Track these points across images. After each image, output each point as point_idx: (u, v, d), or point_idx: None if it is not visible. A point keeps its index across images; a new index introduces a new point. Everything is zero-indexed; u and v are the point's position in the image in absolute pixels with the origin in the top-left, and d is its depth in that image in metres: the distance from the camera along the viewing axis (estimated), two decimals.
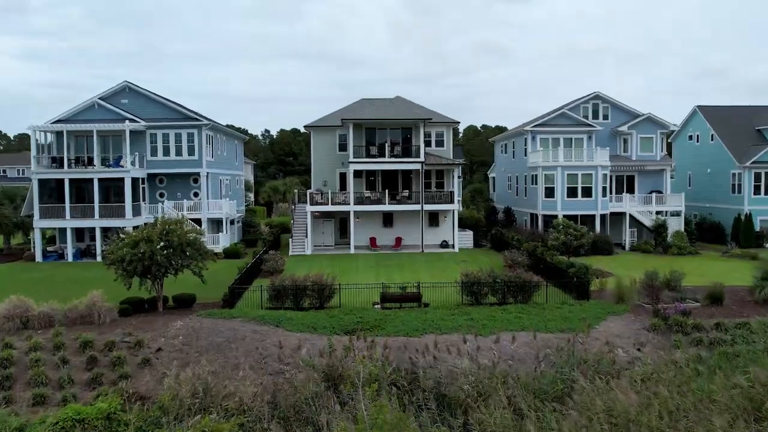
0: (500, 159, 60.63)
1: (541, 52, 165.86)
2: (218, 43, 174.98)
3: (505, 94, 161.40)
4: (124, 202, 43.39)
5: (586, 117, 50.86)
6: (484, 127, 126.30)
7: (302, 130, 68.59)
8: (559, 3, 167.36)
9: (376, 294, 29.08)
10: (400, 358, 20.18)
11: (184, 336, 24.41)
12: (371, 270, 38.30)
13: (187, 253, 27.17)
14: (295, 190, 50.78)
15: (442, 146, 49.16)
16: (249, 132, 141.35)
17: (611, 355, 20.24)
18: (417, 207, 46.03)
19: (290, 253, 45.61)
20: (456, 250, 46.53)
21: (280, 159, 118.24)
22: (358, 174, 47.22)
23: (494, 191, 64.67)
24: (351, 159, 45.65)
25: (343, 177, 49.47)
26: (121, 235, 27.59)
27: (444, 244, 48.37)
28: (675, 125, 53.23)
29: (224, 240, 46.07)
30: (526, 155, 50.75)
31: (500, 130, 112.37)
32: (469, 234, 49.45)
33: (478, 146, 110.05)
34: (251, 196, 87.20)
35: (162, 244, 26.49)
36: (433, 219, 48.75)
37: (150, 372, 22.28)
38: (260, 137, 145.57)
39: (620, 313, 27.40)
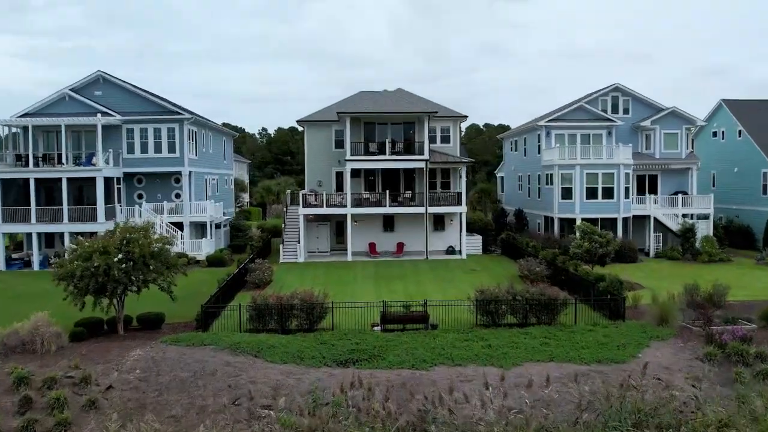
0: (510, 157, 56.35)
1: (543, 51, 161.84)
2: (219, 43, 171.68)
3: (507, 93, 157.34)
4: (96, 204, 39.12)
5: (605, 111, 46.58)
6: (486, 125, 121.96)
7: (300, 128, 64.54)
8: (559, 2, 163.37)
9: (375, 313, 24.84)
10: (406, 407, 15.94)
11: (142, 369, 20.12)
12: (370, 281, 34.02)
13: (151, 267, 22.88)
14: (288, 191, 46.50)
15: (448, 143, 44.88)
16: (246, 131, 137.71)
17: (672, 401, 16.03)
18: (421, 210, 41.76)
19: (281, 261, 41.37)
20: (463, 256, 42.27)
21: (277, 158, 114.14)
22: (355, 173, 42.96)
23: (503, 192, 60.37)
24: (348, 156, 41.40)
25: (339, 177, 45.19)
26: (72, 245, 23.29)
27: (450, 250, 44.12)
28: (702, 120, 48.92)
29: (208, 246, 41.82)
30: (539, 153, 46.49)
31: (503, 128, 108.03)
32: (477, 239, 45.21)
33: (481, 145, 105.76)
34: (245, 196, 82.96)
35: (120, 256, 22.21)
36: (439, 223, 44.48)
37: (96, 418, 18.00)
38: (257, 136, 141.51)
39: (665, 337, 23.11)
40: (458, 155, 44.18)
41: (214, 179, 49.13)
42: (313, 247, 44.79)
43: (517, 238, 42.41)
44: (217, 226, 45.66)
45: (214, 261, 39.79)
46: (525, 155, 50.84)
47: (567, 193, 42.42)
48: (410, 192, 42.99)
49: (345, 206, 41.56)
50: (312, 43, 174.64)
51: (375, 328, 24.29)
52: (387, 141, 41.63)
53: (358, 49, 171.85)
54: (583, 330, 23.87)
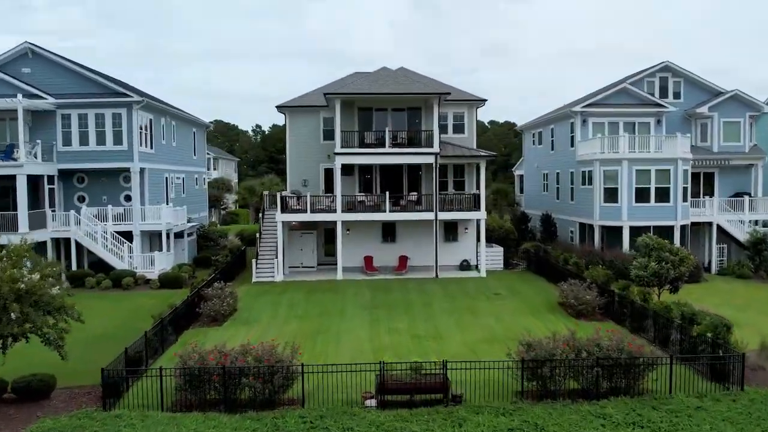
0: (532, 152, 47.92)
1: (546, 50, 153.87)
2: (219, 42, 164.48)
3: (510, 93, 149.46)
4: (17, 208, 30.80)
5: (652, 94, 38.23)
6: (491, 122, 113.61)
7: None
8: (561, 2, 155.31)
9: (370, 378, 16.54)
10: None
11: None
12: (363, 314, 25.66)
13: (13, 315, 14.55)
14: (265, 193, 38.11)
15: (462, 132, 36.51)
16: (238, 128, 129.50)
17: None
18: (429, 216, 33.41)
19: (254, 280, 33.06)
20: (482, 274, 33.91)
21: (271, 156, 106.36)
22: (348, 170, 34.59)
23: (521, 193, 51.90)
24: (338, 149, 33.05)
25: (330, 175, 36.76)
26: None
27: (465, 265, 35.79)
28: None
29: (163, 261, 33.48)
30: (572, 145, 38.16)
31: (509, 125, 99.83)
32: (497, 251, 36.88)
33: (485, 143, 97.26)
34: (228, 198, 74.64)
35: None
36: (451, 231, 36.11)
37: None
38: (251, 133, 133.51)
39: None
40: (474, 147, 35.79)
41: (178, 178, 40.81)
42: (295, 260, 36.49)
43: (549, 251, 34.06)
44: (179, 235, 37.30)
45: (167, 281, 31.50)
46: (552, 149, 42.46)
47: (611, 195, 34.06)
48: (415, 193, 34.66)
49: (334, 211, 33.25)
50: (313, 43, 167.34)
51: (369, 401, 15.99)
52: (387, 130, 33.24)
53: (359, 49, 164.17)
54: (686, 406, 15.55)
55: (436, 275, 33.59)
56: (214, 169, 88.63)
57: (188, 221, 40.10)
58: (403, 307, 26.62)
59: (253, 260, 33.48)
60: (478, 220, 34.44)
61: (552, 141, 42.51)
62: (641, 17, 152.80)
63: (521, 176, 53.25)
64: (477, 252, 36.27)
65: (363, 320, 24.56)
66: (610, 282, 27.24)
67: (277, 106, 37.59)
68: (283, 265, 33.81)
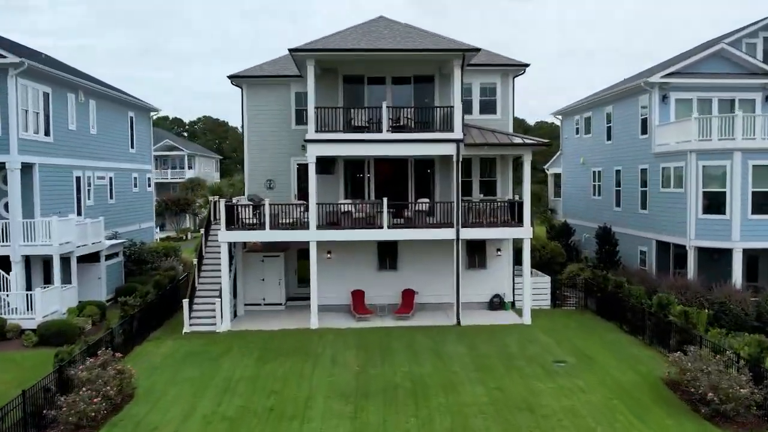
0: (574, 144, 36.83)
1: (551, 49, 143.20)
2: (222, 41, 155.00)
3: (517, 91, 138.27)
4: None
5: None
6: None
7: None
8: (564, 1, 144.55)
9: None
10: None
11: None
12: (342, 414, 14.66)
13: None
14: (212, 199, 27.00)
15: (493, 112, 25.47)
16: (230, 124, 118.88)
17: None
18: (447, 233, 22.52)
19: (186, 330, 22.23)
20: (525, 318, 22.97)
21: None
22: (327, 166, 23.62)
23: (558, 197, 40.87)
24: (311, 135, 22.12)
25: (305, 173, 25.67)
26: None
27: (496, 303, 24.98)
28: None
29: (52, 301, 22.57)
30: (645, 132, 27.26)
31: (517, 121, 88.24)
32: (544, 282, 26.01)
33: None
34: (199, 202, 63.67)
35: None
36: (477, 254, 25.20)
37: None
38: (239, 129, 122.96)
39: None
40: (511, 132, 24.75)
41: (102, 178, 29.98)
42: (255, 295, 25.66)
43: (624, 286, 23.09)
44: (92, 259, 26.34)
45: (51, 334, 20.64)
46: (609, 138, 31.50)
47: (714, 203, 23.19)
48: (426, 200, 23.70)
49: (306, 227, 22.37)
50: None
51: None
52: (385, 106, 22.26)
53: None
54: None
55: (458, 320, 22.69)
56: (190, 167, 78.11)
57: (113, 237, 29.25)
58: (411, 396, 15.73)
59: (185, 301, 22.49)
60: (522, 241, 23.55)
61: (608, 128, 31.54)
62: (644, 17, 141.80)
63: (556, 175, 42.28)
64: (513, 283, 25.43)
65: (341, 430, 13.71)
66: (749, 350, 16.38)
67: (230, 77, 26.69)
68: (229, 306, 22.92)
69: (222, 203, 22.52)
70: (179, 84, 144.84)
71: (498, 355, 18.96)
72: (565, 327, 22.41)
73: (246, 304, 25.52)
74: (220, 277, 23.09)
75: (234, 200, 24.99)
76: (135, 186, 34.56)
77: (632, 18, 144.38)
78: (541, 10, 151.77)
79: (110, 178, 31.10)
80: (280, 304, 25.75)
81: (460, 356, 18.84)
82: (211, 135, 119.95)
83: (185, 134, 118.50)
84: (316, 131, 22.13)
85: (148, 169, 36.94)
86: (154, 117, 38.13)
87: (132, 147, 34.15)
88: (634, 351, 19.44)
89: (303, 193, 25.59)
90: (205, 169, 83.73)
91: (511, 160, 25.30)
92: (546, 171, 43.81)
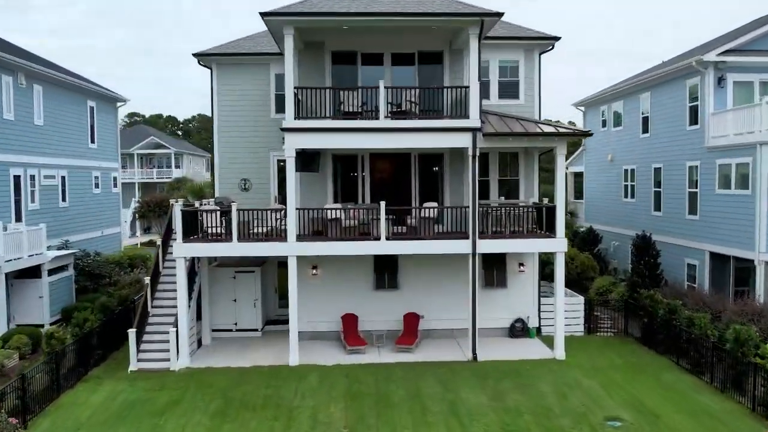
0: (600, 139, 32.00)
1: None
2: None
3: None
4: None
5: None
6: None
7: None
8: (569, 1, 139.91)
9: None
10: None
11: None
12: None
13: None
14: (173, 202, 22.44)
15: (515, 96, 20.87)
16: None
17: None
18: (461, 245, 17.95)
19: (132, 368, 17.70)
20: (557, 352, 18.41)
21: None
22: (309, 161, 18.99)
23: (581, 199, 36.22)
24: (289, 123, 17.52)
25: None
26: None
27: (519, 329, 20.48)
28: None
29: None
30: (696, 122, 22.71)
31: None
32: (576, 304, 21.42)
33: None
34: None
35: None
36: (495, 270, 20.63)
37: None
38: None
39: None
40: (538, 119, 20.19)
41: (50, 177, 25.54)
42: (225, 318, 21.16)
43: (679, 311, 18.56)
44: (31, 274, 21.81)
45: None
46: (646, 131, 26.96)
47: None
48: (434, 204, 19.09)
49: (284, 238, 17.83)
50: None
51: None
52: (382, 88, 17.70)
53: None
54: None
55: (473, 355, 18.15)
56: (177, 166, 73.62)
57: (62, 246, 24.77)
58: None
59: (131, 331, 17.93)
60: (546, 255, 19.03)
61: (644, 119, 27.00)
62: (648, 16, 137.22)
63: (576, 174, 37.70)
64: (539, 304, 20.94)
65: None
66: None
67: (196, 55, 22.18)
68: (188, 338, 18.38)
69: (177, 208, 17.98)
70: (178, 82, 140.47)
71: (532, 409, 14.43)
72: (609, 363, 17.88)
73: (214, 330, 21.03)
74: (180, 297, 18.54)
75: (198, 204, 20.47)
76: (96, 186, 30.07)
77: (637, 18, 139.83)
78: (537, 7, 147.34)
79: (63, 178, 26.64)
80: (256, 330, 21.24)
81: (481, 412, 14.31)
82: (206, 133, 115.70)
83: (179, 133, 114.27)
84: (296, 117, 17.60)
85: (114, 167, 32.45)
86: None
87: (92, 141, 29.66)
88: (705, 402, 14.91)
89: (285, 195, 21.03)
90: (195, 168, 79.28)
91: (536, 155, 20.79)
92: (566, 169, 39.34)
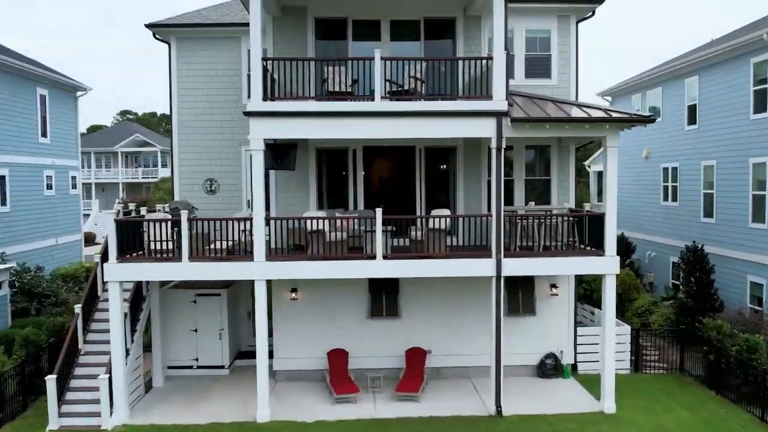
0: (632, 133, 27.34)
1: None
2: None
3: None
4: None
5: None
6: None
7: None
8: None
9: None
10: None
11: None
12: None
13: None
14: (117, 208, 18.31)
15: (545, 75, 16.65)
16: None
17: None
18: (481, 266, 13.75)
19: (51, 428, 13.55)
20: (607, 405, 14.22)
21: None
22: (281, 155, 14.79)
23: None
24: (256, 106, 13.34)
25: (266, 170, 17.05)
26: None
27: (551, 367, 16.32)
28: None
29: None
30: (765, 108, 18.49)
31: None
32: (621, 332, 17.18)
33: None
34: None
35: None
36: (520, 290, 16.46)
37: None
38: None
39: None
40: (575, 100, 16.00)
41: None
42: (183, 352, 17.04)
43: (761, 349, 14.46)
44: None
45: None
46: (693, 123, 22.76)
47: None
48: (446, 211, 14.84)
49: (250, 256, 13.64)
50: None
51: None
52: (378, 60, 13.52)
53: None
54: None
55: (497, 408, 13.96)
56: (164, 165, 69.44)
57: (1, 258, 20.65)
58: None
59: (50, 378, 13.76)
60: (602, 278, 14.89)
61: (690, 107, 22.82)
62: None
63: (599, 174, 33.51)
64: (575, 335, 16.81)
65: None
66: None
67: (150, 25, 18.02)
68: (124, 386, 14.20)
69: (111, 218, 13.83)
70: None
71: None
72: (676, 421, 13.68)
73: (170, 367, 16.91)
74: (120, 333, 14.37)
75: (146, 211, 16.35)
76: (49, 188, 25.91)
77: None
78: None
79: (1, 177, 22.49)
80: (223, 367, 17.11)
81: None
82: None
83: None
84: (266, 98, 13.44)
85: (73, 166, 28.29)
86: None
87: (44, 136, 25.51)
88: None
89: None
90: None
91: (573, 148, 16.68)
92: (588, 168, 35.12)
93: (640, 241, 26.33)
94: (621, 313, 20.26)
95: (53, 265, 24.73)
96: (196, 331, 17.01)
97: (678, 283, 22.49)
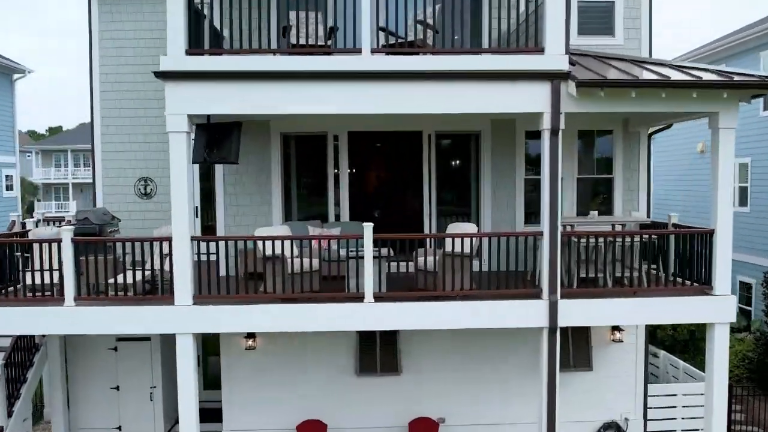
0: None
1: None
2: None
3: None
4: None
5: None
6: None
7: None
8: None
9: None
10: None
11: None
12: None
13: None
14: (13, 218, 13.72)
15: (608, 32, 12.01)
16: None
17: None
18: (529, 313, 8.99)
19: None
20: None
21: None
22: (217, 140, 10.00)
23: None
24: (173, 63, 8.63)
25: (218, 168, 12.33)
26: None
27: None
28: None
29: None
30: None
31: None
32: (703, 389, 12.50)
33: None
34: None
35: None
36: (571, 335, 11.73)
37: None
38: None
39: None
40: (649, 56, 11.33)
41: None
42: (100, 417, 12.29)
43: None
44: None
45: None
46: None
47: None
48: (471, 228, 10.08)
49: (169, 298, 8.90)
50: None
51: None
52: (369, 4, 8.84)
53: None
54: None
55: None
56: None
57: None
58: None
59: None
60: (713, 328, 10.05)
61: None
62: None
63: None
64: (645, 397, 12.06)
65: None
66: None
67: None
68: None
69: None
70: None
71: None
72: None
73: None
74: (20, 387, 9.66)
75: (33, 224, 11.62)
76: None
77: None
78: None
79: None
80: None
81: None
82: None
83: None
84: (191, 50, 8.65)
85: (9, 162, 23.61)
86: (19, 79, 24.49)
87: None
88: None
89: (214, 208, 12.18)
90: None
91: (646, 136, 11.95)
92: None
93: None
94: (670, 350, 15.58)
95: None
96: (117, 389, 12.28)
97: (750, 308, 17.86)
